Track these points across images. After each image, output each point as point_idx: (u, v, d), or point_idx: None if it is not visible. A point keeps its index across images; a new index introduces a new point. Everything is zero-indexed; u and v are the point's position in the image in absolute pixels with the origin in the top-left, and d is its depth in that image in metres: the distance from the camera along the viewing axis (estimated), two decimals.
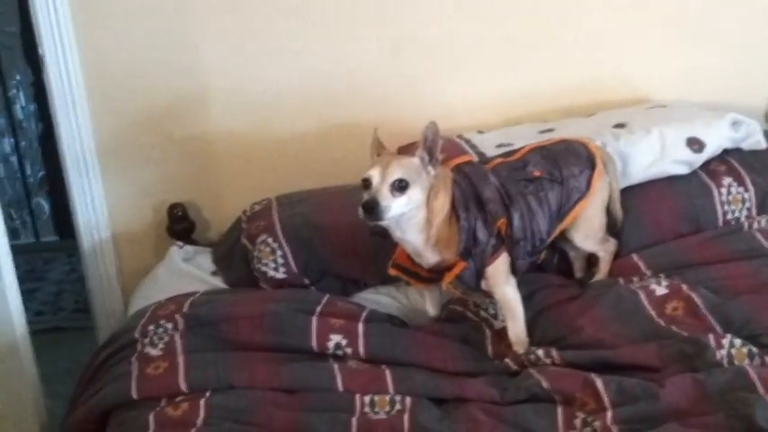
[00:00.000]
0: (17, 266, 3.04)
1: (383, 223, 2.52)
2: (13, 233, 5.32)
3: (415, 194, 2.50)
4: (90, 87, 3.44)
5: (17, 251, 3.13)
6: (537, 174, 2.77)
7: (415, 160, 2.54)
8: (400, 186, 2.47)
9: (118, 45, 3.41)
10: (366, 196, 2.46)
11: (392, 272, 2.81)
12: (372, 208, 2.43)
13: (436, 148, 2.54)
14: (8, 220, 5.34)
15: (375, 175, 2.48)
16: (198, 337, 2.64)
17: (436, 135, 2.53)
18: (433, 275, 2.72)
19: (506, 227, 2.67)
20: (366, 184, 2.49)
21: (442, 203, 2.59)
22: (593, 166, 2.85)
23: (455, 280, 2.64)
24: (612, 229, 2.99)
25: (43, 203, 5.45)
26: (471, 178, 2.70)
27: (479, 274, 2.64)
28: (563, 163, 2.82)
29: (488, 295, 2.75)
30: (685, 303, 2.62)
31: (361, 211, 2.45)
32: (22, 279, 3.14)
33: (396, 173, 2.47)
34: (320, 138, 3.55)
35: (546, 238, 2.78)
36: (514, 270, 2.72)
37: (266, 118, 3.54)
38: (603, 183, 2.89)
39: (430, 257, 2.65)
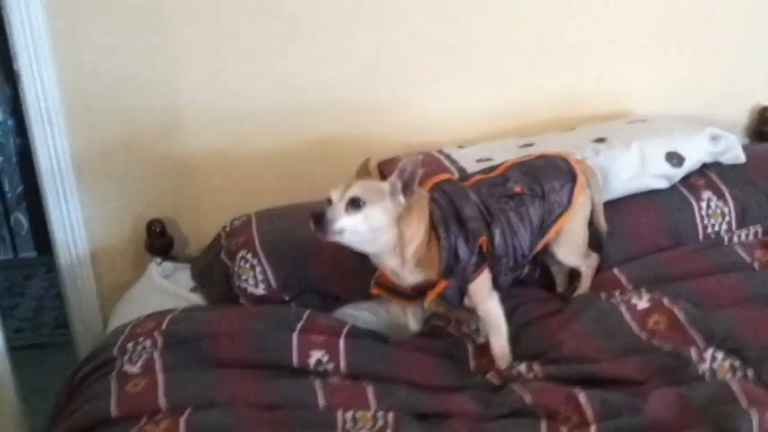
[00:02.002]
0: None
1: (332, 237, 2.50)
2: None
3: (374, 215, 2.50)
4: (66, 102, 3.41)
5: None
6: (517, 189, 2.77)
7: (384, 185, 2.55)
8: (355, 204, 2.47)
9: (95, 60, 3.39)
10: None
11: (375, 291, 2.81)
12: (319, 219, 2.46)
13: (414, 181, 2.54)
14: None
15: (335, 194, 2.50)
16: (177, 354, 2.62)
17: (416, 168, 2.52)
18: (415, 293, 2.71)
19: (488, 244, 2.66)
20: (329, 202, 2.51)
21: (416, 229, 2.59)
22: (573, 180, 2.85)
23: (438, 298, 2.64)
24: (597, 242, 2.99)
25: (22, 219, 5.42)
26: (451, 196, 2.69)
27: (462, 291, 2.63)
28: (543, 178, 2.82)
29: (471, 311, 2.74)
30: (667, 317, 2.62)
31: (311, 223, 2.47)
32: (1, 295, 3.12)
33: (353, 191, 2.48)
34: (300, 153, 3.54)
35: (528, 253, 2.77)
36: (497, 286, 2.71)
37: (246, 133, 3.53)
38: (585, 197, 2.89)
39: (410, 278, 2.65)
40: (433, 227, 2.62)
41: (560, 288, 3.05)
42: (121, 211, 3.56)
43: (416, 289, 2.69)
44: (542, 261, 3.01)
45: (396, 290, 2.75)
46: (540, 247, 2.84)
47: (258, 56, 3.46)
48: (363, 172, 2.66)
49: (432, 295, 2.64)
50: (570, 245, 2.90)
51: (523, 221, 2.73)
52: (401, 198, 2.55)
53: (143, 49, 3.40)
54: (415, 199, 2.59)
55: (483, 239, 2.65)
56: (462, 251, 2.60)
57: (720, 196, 3.15)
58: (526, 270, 2.88)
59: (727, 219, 3.12)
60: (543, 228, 2.79)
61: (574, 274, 3.02)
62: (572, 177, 2.85)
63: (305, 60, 3.48)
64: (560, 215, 2.81)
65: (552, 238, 2.84)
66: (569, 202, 2.82)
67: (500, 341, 2.65)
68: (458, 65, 3.58)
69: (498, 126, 3.62)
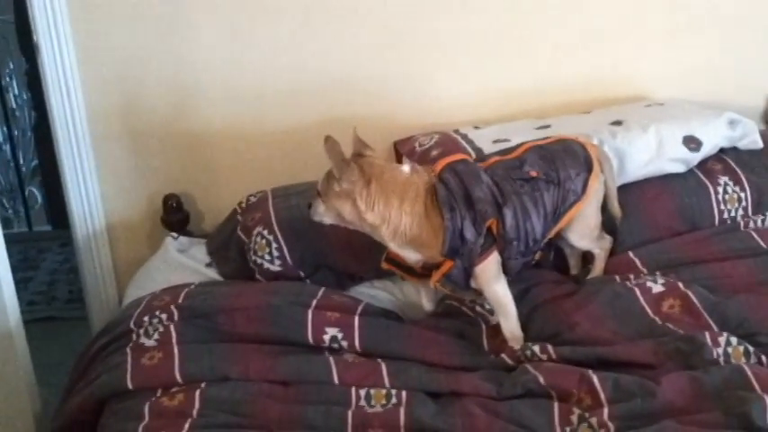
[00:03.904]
0: (10, 256, 3.02)
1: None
2: (5, 222, 5.31)
3: (329, 203, 2.67)
4: (85, 76, 3.42)
5: (10, 240, 3.11)
6: (533, 174, 2.75)
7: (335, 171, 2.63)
8: (318, 194, 2.71)
9: (113, 34, 3.39)
10: None
11: (385, 266, 2.81)
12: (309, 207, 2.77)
13: (334, 164, 2.61)
14: (1, 209, 5.33)
15: None
16: (193, 328, 2.64)
17: (330, 153, 2.60)
18: (425, 271, 2.71)
19: (498, 226, 2.65)
20: None
21: (382, 212, 2.60)
22: (589, 169, 2.83)
23: (443, 278, 2.64)
24: (611, 227, 2.99)
25: (36, 193, 5.43)
26: (462, 177, 2.67)
27: (468, 273, 2.63)
28: (560, 164, 2.79)
29: (479, 293, 2.74)
30: (682, 301, 2.62)
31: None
32: (15, 269, 3.12)
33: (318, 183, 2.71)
34: (316, 132, 3.46)
35: (540, 239, 2.76)
36: (507, 270, 2.71)
37: (262, 111, 3.53)
38: (599, 183, 2.88)
39: (407, 255, 2.68)
40: (437, 207, 2.61)
41: (574, 270, 3.04)
42: (138, 186, 3.58)
43: (425, 267, 2.69)
44: (556, 244, 3.00)
45: (406, 267, 2.76)
46: (552, 233, 2.83)
47: (274, 34, 3.45)
48: (360, 144, 2.70)
49: (436, 275, 2.65)
50: (583, 229, 2.89)
51: (537, 206, 2.72)
52: (336, 185, 2.62)
53: (161, 25, 3.40)
54: (396, 176, 2.64)
55: (492, 222, 2.64)
56: (469, 232, 2.59)
57: (737, 181, 3.14)
58: (537, 256, 2.88)
59: (743, 204, 3.11)
60: (556, 214, 2.78)
61: (587, 257, 3.02)
62: (588, 166, 2.83)
63: (322, 38, 3.48)
64: (574, 203, 2.80)
65: (565, 224, 2.83)
66: (583, 190, 2.80)
67: (509, 324, 2.65)
68: (475, 46, 3.56)
69: (515, 108, 3.61)
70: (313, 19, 3.46)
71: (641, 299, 2.65)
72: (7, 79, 5.29)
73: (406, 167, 2.70)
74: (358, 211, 2.61)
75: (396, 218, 2.60)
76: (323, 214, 2.71)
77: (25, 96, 5.31)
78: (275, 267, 3.00)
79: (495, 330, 2.69)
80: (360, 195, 2.59)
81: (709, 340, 2.41)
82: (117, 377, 2.46)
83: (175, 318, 2.68)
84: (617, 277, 2.83)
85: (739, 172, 3.17)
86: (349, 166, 2.58)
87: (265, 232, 3.04)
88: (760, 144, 3.28)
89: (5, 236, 3.00)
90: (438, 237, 2.59)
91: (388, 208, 2.60)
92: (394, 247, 2.67)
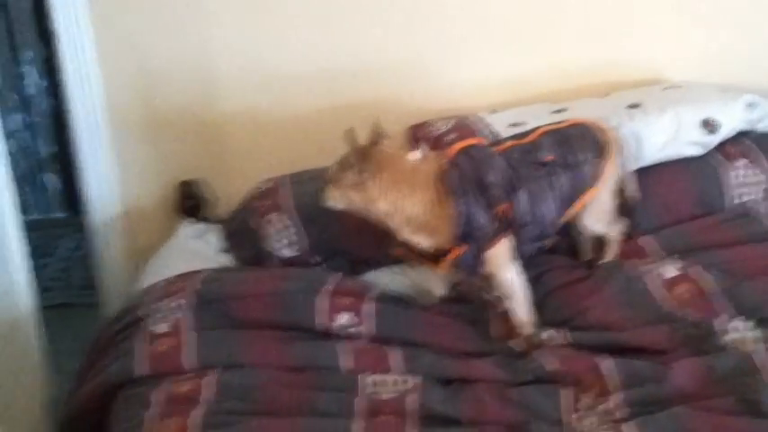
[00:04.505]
0: (25, 242, 3.03)
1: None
2: (21, 209, 5.31)
3: (341, 190, 2.65)
4: (102, 62, 3.43)
5: (25, 227, 3.13)
6: (549, 158, 2.73)
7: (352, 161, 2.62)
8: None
9: (131, 21, 3.41)
10: None
11: (396, 251, 2.80)
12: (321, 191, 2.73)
13: (349, 154, 2.61)
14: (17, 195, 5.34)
15: None
16: (206, 314, 2.63)
17: (347, 143, 2.60)
18: (438, 255, 2.69)
19: (510, 211, 2.64)
20: None
21: (393, 201, 2.59)
22: (604, 153, 2.80)
23: (455, 263, 2.63)
24: (626, 209, 2.96)
25: (52, 180, 5.44)
26: (475, 162, 2.67)
27: (479, 257, 2.62)
28: (576, 149, 2.77)
29: (490, 279, 2.72)
30: (695, 286, 2.60)
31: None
32: (30, 255, 3.14)
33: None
34: (331, 116, 3.53)
35: (554, 223, 2.75)
36: (519, 255, 2.69)
37: (277, 96, 3.54)
38: (615, 167, 2.85)
39: (419, 241, 2.66)
40: (448, 193, 2.60)
41: (586, 255, 3.02)
42: (153, 172, 3.59)
43: (437, 252, 2.67)
44: (569, 228, 2.97)
45: (417, 252, 2.74)
46: (567, 218, 2.81)
47: (290, 19, 3.45)
48: (377, 133, 2.67)
49: (448, 260, 2.64)
50: (598, 213, 2.87)
51: (552, 190, 2.70)
52: (350, 177, 2.61)
53: (177, 12, 3.41)
54: (405, 166, 2.63)
55: (504, 207, 2.62)
56: (481, 217, 2.58)
57: (755, 164, 3.10)
58: (551, 241, 2.86)
59: (762, 187, 3.08)
60: (571, 199, 2.76)
61: (601, 242, 2.99)
62: (603, 151, 2.81)
63: (337, 24, 3.48)
64: (589, 188, 2.78)
65: (580, 209, 2.81)
66: (599, 175, 2.78)
67: (520, 309, 2.64)
68: (490, 30, 3.55)
69: (531, 92, 3.59)
70: (328, 5, 3.46)
71: (654, 284, 2.64)
72: (26, 67, 5.29)
73: (417, 155, 2.69)
74: (369, 199, 2.61)
75: (407, 206, 2.59)
76: (335, 200, 2.71)
77: (43, 84, 5.31)
78: (290, 253, 3.00)
79: (507, 316, 2.67)
80: (371, 185, 2.59)
81: (719, 326, 2.41)
82: (129, 364, 2.46)
83: (189, 304, 2.67)
84: (630, 262, 2.81)
85: (758, 155, 3.13)
86: (362, 157, 2.57)
87: (280, 218, 3.04)
88: None
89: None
90: (449, 222, 2.59)
91: (398, 197, 2.59)
92: (406, 233, 2.66)
